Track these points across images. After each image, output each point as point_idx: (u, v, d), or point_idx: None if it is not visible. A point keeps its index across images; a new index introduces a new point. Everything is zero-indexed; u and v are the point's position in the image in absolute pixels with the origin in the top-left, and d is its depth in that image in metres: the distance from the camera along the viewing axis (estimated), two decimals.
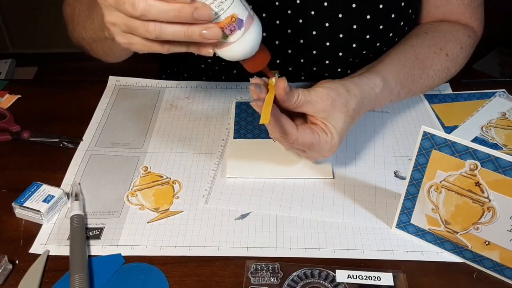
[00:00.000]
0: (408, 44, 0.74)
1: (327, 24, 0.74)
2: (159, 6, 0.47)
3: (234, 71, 0.83)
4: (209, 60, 0.82)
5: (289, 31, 0.75)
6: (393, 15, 0.75)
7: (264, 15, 0.74)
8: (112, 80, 0.83)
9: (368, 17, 0.74)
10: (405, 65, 0.70)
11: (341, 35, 0.75)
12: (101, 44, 0.71)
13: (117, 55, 0.74)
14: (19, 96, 0.80)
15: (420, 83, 0.72)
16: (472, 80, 0.83)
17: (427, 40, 0.75)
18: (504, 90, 0.79)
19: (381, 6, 0.73)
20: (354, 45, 0.76)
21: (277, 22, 0.75)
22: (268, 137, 0.70)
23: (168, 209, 0.60)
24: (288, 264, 0.53)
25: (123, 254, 0.55)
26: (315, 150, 0.59)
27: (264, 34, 0.75)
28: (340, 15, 0.73)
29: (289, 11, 0.74)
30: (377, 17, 0.74)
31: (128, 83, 0.83)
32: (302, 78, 0.82)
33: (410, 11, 0.77)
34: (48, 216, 0.58)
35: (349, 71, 0.79)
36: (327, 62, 0.78)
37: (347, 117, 0.59)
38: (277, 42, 0.76)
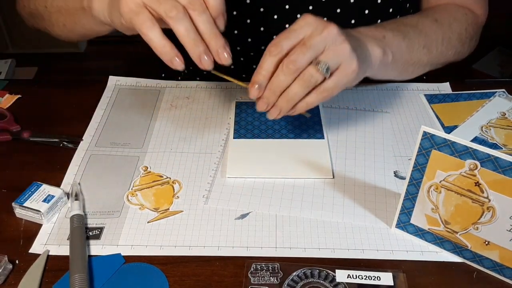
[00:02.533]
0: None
1: (325, 19, 0.75)
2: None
3: (232, 66, 0.84)
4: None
5: (286, 25, 0.76)
6: (391, 9, 0.76)
7: (261, 9, 0.75)
8: (112, 80, 0.83)
9: (367, 11, 0.74)
10: (384, 24, 0.70)
11: None
12: (68, 16, 0.71)
13: (78, 32, 0.74)
14: (19, 96, 0.80)
15: (411, 34, 0.70)
16: (471, 80, 0.83)
17: (413, 15, 0.75)
18: (503, 90, 0.79)
19: (379, 0, 0.74)
20: None
21: (275, 17, 0.75)
22: (268, 137, 0.70)
23: (168, 209, 0.60)
24: (288, 264, 0.54)
25: (123, 254, 0.55)
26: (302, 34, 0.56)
27: (262, 29, 0.76)
28: (338, 10, 0.74)
29: (287, 6, 0.75)
30: (376, 11, 0.75)
31: (128, 83, 0.83)
32: None
33: (408, 5, 0.78)
34: (48, 216, 0.58)
35: None
36: None
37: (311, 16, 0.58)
38: (274, 37, 0.77)
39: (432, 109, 0.76)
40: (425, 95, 0.79)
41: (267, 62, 0.56)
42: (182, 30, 0.54)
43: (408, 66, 0.72)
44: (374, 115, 0.75)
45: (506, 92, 0.78)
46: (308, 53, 0.55)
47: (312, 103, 0.58)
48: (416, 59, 0.72)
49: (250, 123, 0.73)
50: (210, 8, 0.55)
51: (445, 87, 0.81)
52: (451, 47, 0.75)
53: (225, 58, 0.56)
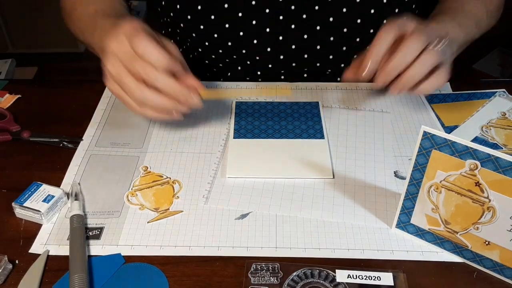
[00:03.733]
0: None
1: (331, 19, 0.77)
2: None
3: (239, 68, 0.84)
4: (213, 57, 0.83)
5: (292, 26, 0.78)
6: (397, 10, 0.78)
7: (267, 11, 0.76)
8: None
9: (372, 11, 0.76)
10: (441, 17, 0.74)
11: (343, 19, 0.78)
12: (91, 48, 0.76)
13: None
14: (19, 96, 0.80)
15: (464, 21, 0.74)
16: (472, 80, 0.83)
17: None
18: (504, 90, 0.79)
19: (385, 0, 0.76)
20: (345, 30, 0.79)
21: (280, 17, 0.76)
22: (268, 137, 0.70)
23: (168, 209, 0.60)
24: (288, 264, 0.54)
25: (123, 254, 0.55)
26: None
27: (268, 30, 0.78)
28: (344, 10, 0.76)
29: (293, 7, 0.76)
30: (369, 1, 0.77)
31: None
32: (293, 64, 0.84)
33: (413, 6, 0.81)
34: (48, 216, 0.58)
35: (342, 64, 0.84)
36: (318, 47, 0.82)
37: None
38: (280, 38, 0.78)
39: (433, 109, 0.76)
40: (425, 95, 0.79)
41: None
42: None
43: (464, 46, 0.76)
44: (374, 115, 0.75)
45: (506, 92, 0.78)
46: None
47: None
48: (470, 39, 0.77)
49: (250, 123, 0.73)
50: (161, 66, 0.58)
51: (445, 87, 0.81)
52: (492, 16, 0.80)
53: (195, 103, 0.61)
